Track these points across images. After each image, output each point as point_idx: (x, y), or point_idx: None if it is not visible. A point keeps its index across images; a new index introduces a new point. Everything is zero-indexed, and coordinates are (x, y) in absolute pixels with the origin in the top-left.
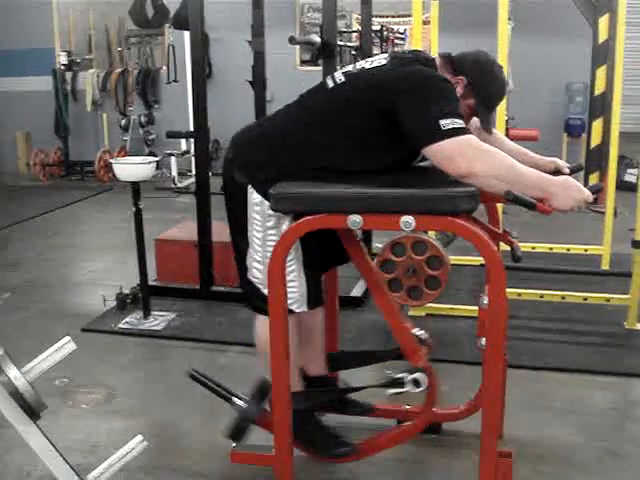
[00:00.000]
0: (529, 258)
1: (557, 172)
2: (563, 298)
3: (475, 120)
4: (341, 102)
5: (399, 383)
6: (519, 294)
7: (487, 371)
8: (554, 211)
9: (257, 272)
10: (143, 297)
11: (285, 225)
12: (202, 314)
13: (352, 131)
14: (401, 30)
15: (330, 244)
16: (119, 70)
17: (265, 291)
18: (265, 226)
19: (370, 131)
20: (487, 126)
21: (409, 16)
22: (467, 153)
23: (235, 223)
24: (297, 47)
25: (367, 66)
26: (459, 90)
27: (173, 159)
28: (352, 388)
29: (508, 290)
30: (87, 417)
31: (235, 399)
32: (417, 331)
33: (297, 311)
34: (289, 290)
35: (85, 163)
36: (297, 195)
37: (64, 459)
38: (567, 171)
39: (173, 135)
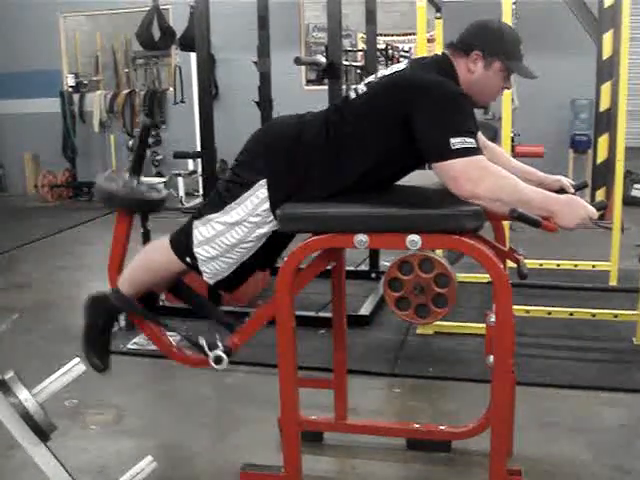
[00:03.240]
0: (536, 275)
1: (562, 190)
2: (571, 314)
3: (480, 139)
4: (361, 110)
5: (204, 352)
6: (527, 311)
7: (495, 389)
8: (559, 229)
9: (205, 232)
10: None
11: (262, 230)
12: (210, 334)
13: (370, 131)
14: (406, 48)
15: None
16: (126, 91)
17: (195, 249)
18: (247, 218)
19: (387, 134)
20: (529, 76)
21: (413, 34)
22: (472, 175)
23: (228, 188)
24: (303, 67)
25: (387, 72)
26: (480, 64)
27: (180, 179)
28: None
29: (516, 307)
30: (96, 438)
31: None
32: None
33: (204, 278)
34: (218, 262)
35: (93, 184)
36: (305, 215)
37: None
38: (572, 190)
39: (180, 155)
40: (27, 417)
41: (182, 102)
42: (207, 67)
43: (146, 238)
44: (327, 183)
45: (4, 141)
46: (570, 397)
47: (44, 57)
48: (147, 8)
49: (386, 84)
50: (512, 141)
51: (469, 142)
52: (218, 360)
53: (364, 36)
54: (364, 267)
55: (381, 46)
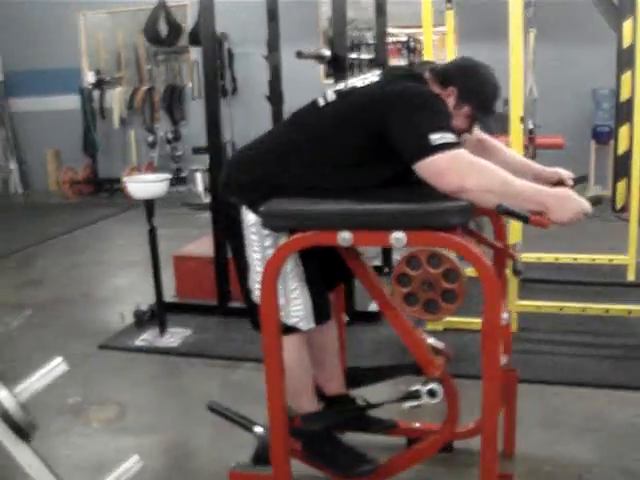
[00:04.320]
0: (552, 269)
1: (560, 183)
2: (584, 310)
3: (475, 132)
4: (332, 120)
5: (415, 396)
6: (538, 307)
7: (485, 389)
8: (551, 224)
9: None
10: (159, 314)
11: (282, 239)
12: (218, 330)
13: (344, 149)
14: None
15: (333, 261)
16: (145, 87)
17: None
18: (263, 246)
19: (362, 149)
20: (491, 131)
21: (436, 26)
22: (458, 168)
23: (234, 246)
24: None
25: (359, 84)
26: (452, 101)
27: (199, 175)
28: (366, 405)
29: (527, 303)
30: (97, 435)
31: (256, 427)
32: (433, 341)
33: (304, 329)
34: (294, 308)
35: (113, 180)
36: (287, 212)
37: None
38: (570, 182)
39: (199, 151)
40: (6, 416)
41: (200, 97)
42: (213, 61)
43: (152, 235)
44: (297, 185)
45: (26, 138)
46: (579, 395)
47: (65, 55)
48: (170, 4)
49: (358, 99)
50: (531, 132)
51: (449, 137)
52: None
53: (388, 29)
54: (378, 262)
55: (403, 38)
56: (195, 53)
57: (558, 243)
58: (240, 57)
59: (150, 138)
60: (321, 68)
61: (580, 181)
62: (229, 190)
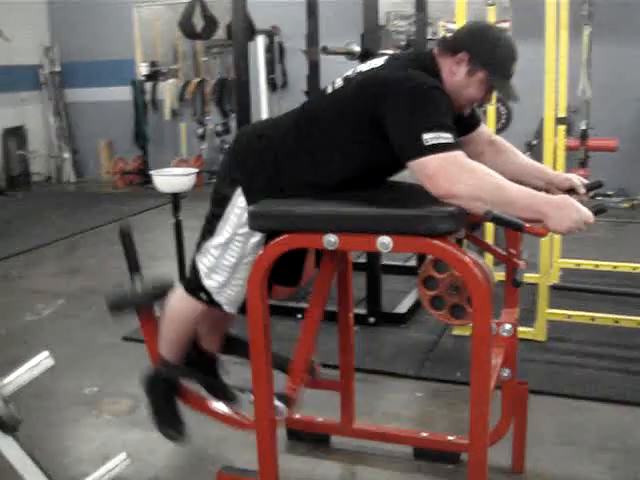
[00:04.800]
0: (591, 276)
1: (572, 190)
2: (616, 322)
3: (485, 132)
4: (335, 106)
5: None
6: (569, 316)
7: (472, 401)
8: (550, 233)
9: (207, 262)
10: None
11: (255, 238)
12: (242, 327)
13: (342, 132)
14: None
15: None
16: (197, 80)
17: (204, 282)
18: (236, 232)
19: (358, 136)
20: (510, 98)
21: (503, 22)
22: (448, 172)
23: (212, 211)
24: None
25: (364, 68)
26: (464, 68)
27: None
28: (204, 375)
29: (557, 311)
30: (106, 427)
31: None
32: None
33: (225, 309)
34: (229, 291)
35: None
36: (273, 213)
37: (43, 471)
38: (583, 190)
39: None
40: None
41: None
42: (243, 54)
43: (177, 228)
44: (301, 184)
45: (80, 128)
46: (601, 411)
47: (119, 47)
48: None
49: (358, 82)
50: (583, 134)
51: (444, 137)
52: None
53: (445, 24)
54: (413, 262)
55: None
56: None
57: (604, 249)
58: (292, 51)
59: (200, 130)
60: None
61: (594, 188)
62: (234, 164)
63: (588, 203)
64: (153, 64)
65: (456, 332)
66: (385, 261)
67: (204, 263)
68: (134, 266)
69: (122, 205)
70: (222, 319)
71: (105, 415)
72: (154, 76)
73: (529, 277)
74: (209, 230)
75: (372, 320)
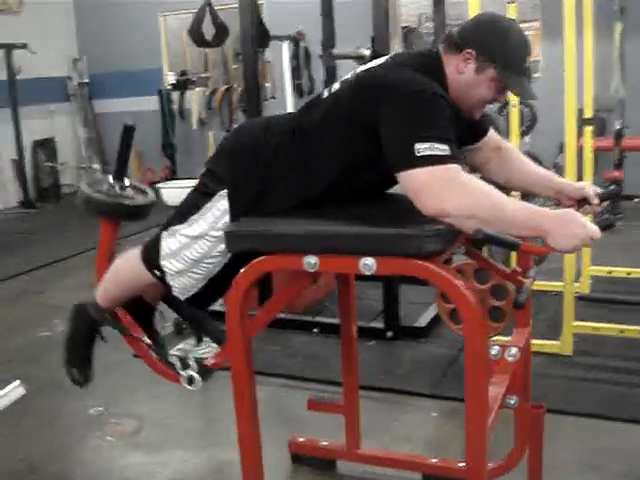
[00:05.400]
0: (623, 284)
1: (584, 200)
2: None
3: (493, 139)
4: (330, 111)
5: (184, 363)
6: (596, 328)
7: (467, 438)
8: (553, 251)
9: (172, 245)
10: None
11: (224, 245)
12: (256, 341)
13: (337, 139)
14: None
15: None
16: (224, 88)
17: (162, 262)
18: (208, 232)
19: (354, 139)
20: (526, 96)
21: (533, 21)
22: (437, 187)
23: (190, 201)
24: None
25: (362, 69)
26: (472, 66)
27: None
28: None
29: (584, 324)
30: (107, 450)
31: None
32: None
33: (174, 293)
34: (186, 277)
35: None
36: (249, 234)
37: None
38: (596, 200)
39: None
40: None
41: (272, 98)
42: (253, 61)
43: None
44: (291, 194)
45: (110, 139)
46: (631, 434)
47: (146, 57)
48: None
49: (354, 85)
50: (618, 134)
51: (439, 148)
52: (190, 381)
53: None
54: None
55: None
56: (268, 53)
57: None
58: (317, 57)
59: None
60: None
61: (608, 198)
62: (227, 162)
63: (601, 215)
64: (183, 73)
65: None
66: None
67: (168, 245)
68: (121, 169)
69: (149, 216)
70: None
71: (108, 437)
72: (182, 85)
73: (555, 286)
74: (183, 214)
75: (390, 334)
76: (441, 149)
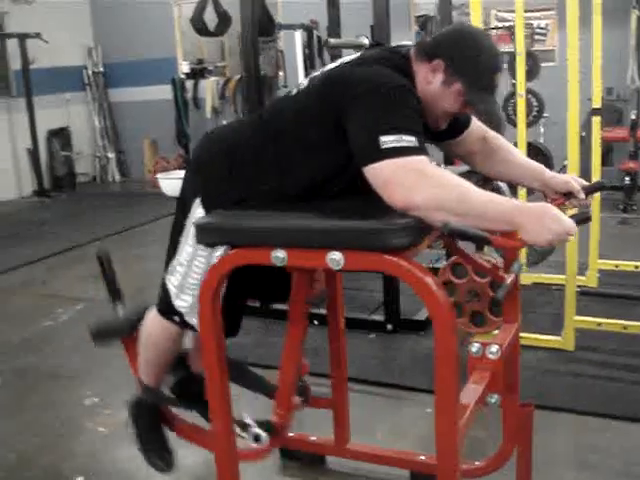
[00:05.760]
0: (631, 277)
1: (570, 194)
2: None
3: (476, 130)
4: (298, 108)
5: (242, 427)
6: (599, 324)
7: (438, 430)
8: (525, 245)
9: (175, 281)
10: None
11: (218, 251)
12: (258, 334)
13: (302, 142)
14: (542, 25)
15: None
16: (237, 77)
17: (175, 303)
18: (197, 247)
19: (320, 141)
20: (487, 111)
21: (549, 10)
22: (407, 180)
23: (175, 227)
24: None
25: (331, 66)
26: (439, 77)
27: None
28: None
29: (586, 319)
30: (96, 442)
31: (119, 307)
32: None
33: (186, 320)
34: (184, 297)
35: None
36: (218, 227)
37: None
38: (582, 195)
39: None
40: None
41: (285, 87)
42: (252, 54)
43: None
44: (264, 194)
45: (124, 128)
46: (628, 432)
47: (160, 46)
48: None
49: (322, 82)
50: (634, 125)
51: (406, 140)
52: (257, 439)
53: (498, 13)
54: (444, 263)
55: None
56: (281, 42)
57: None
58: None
59: None
60: None
61: (594, 191)
62: (195, 171)
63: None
64: (200, 61)
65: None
66: None
67: (172, 283)
68: (114, 292)
69: (160, 205)
70: None
71: (101, 428)
72: (196, 74)
73: (558, 279)
74: (173, 246)
75: (390, 327)
76: (407, 141)
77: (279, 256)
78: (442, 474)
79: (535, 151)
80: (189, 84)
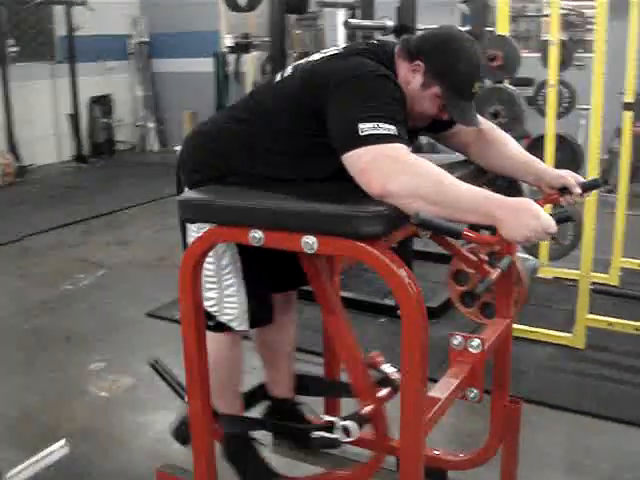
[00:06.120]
0: None
1: (565, 189)
2: None
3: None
4: (279, 98)
5: (327, 428)
6: (610, 323)
7: (402, 424)
8: (503, 241)
9: (208, 293)
10: None
11: (224, 260)
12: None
13: (285, 132)
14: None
15: (286, 263)
16: None
17: (207, 309)
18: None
19: (304, 133)
20: (462, 118)
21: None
22: (383, 167)
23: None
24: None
25: (315, 57)
26: (419, 78)
27: None
28: (275, 423)
29: (598, 317)
30: (100, 406)
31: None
32: (388, 368)
33: (237, 329)
34: (227, 306)
35: None
36: (199, 204)
37: None
38: (578, 190)
39: None
40: None
41: None
42: (280, 24)
43: None
44: (242, 175)
45: (166, 98)
46: (626, 437)
47: (205, 18)
48: None
49: (304, 72)
50: None
51: (384, 128)
52: (347, 431)
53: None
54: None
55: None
56: (322, 19)
57: None
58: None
59: None
60: None
61: (592, 188)
62: (180, 167)
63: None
64: (245, 36)
65: None
66: (422, 247)
67: (206, 295)
68: (179, 390)
69: None
70: (275, 350)
71: (102, 393)
72: (240, 48)
73: (571, 274)
74: (184, 246)
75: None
76: (385, 128)
77: (256, 236)
78: (404, 467)
79: (564, 144)
80: (231, 58)
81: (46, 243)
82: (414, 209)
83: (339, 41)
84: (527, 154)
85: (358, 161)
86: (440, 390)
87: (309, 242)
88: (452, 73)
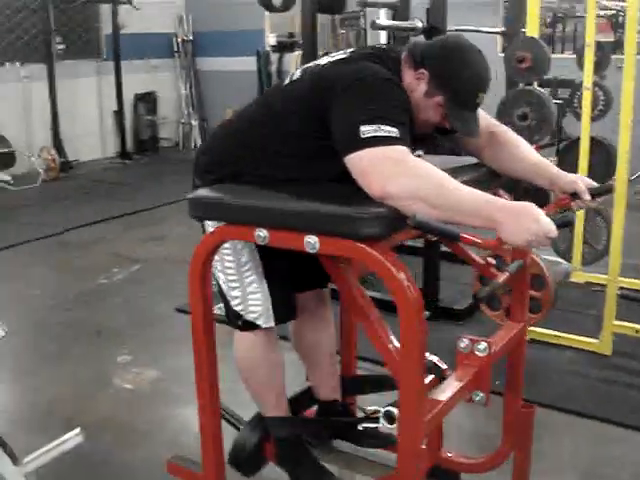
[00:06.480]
0: None
1: (575, 195)
2: None
3: (485, 123)
4: (289, 101)
5: (372, 418)
6: (637, 330)
7: (400, 426)
8: (503, 244)
9: (222, 282)
10: None
11: (244, 257)
12: None
13: (294, 135)
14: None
15: (307, 263)
16: (322, 53)
17: (231, 304)
18: (222, 252)
19: (313, 136)
20: (463, 129)
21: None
22: (384, 168)
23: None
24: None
25: (323, 61)
26: (423, 86)
27: None
28: (321, 420)
29: (625, 324)
30: (123, 399)
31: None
32: (434, 359)
33: (264, 326)
34: (251, 303)
35: None
36: (207, 202)
37: None
38: (587, 197)
39: None
40: None
41: None
42: (310, 31)
43: None
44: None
45: (209, 96)
46: None
47: (249, 17)
48: None
49: (312, 76)
50: None
51: (385, 130)
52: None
53: (599, 1)
54: None
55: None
56: (363, 19)
57: None
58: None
59: None
60: (498, 41)
61: (602, 193)
62: (194, 170)
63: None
64: (291, 35)
65: None
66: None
67: (231, 294)
68: (234, 423)
69: None
70: (312, 356)
71: (125, 385)
72: (284, 47)
73: (603, 279)
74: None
75: (426, 314)
76: (387, 131)
77: (261, 235)
78: (403, 467)
79: (600, 148)
80: (274, 57)
81: (86, 237)
82: (414, 211)
83: (381, 40)
84: (539, 157)
85: (359, 163)
86: (442, 392)
87: (311, 242)
88: (455, 83)
